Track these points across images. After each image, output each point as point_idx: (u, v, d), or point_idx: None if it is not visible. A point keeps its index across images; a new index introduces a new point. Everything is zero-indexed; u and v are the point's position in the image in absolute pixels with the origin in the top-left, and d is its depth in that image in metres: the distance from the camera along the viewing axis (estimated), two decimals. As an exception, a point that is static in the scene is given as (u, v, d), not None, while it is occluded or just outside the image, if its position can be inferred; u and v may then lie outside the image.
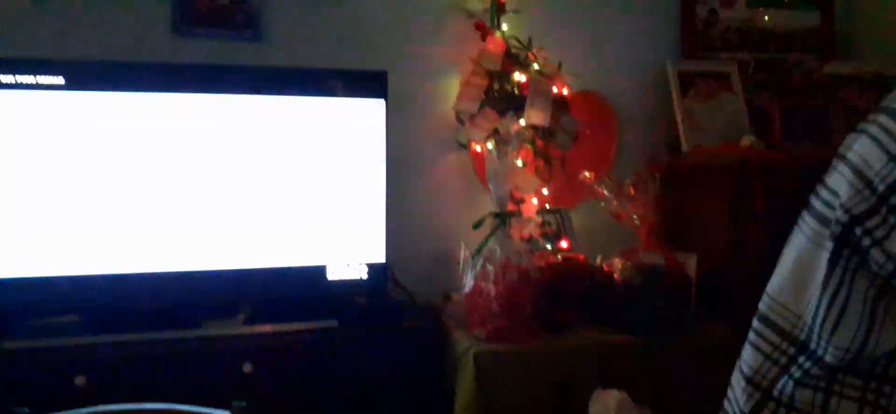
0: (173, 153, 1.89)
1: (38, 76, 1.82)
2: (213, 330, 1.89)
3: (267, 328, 1.92)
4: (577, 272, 2.02)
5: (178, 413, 1.11)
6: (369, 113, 2.00)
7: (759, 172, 2.00)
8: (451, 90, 2.26)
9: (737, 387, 0.78)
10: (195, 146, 1.91)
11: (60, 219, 1.84)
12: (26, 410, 1.12)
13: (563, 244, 2.20)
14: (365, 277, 2.02)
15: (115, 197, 1.87)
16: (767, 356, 0.74)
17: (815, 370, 0.69)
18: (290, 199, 1.97)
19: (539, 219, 2.21)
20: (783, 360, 0.73)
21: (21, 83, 1.80)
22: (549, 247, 2.16)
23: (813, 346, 0.70)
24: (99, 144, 1.85)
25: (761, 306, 0.77)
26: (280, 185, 1.96)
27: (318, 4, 2.20)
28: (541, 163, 2.24)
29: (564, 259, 2.11)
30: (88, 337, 1.82)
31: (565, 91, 2.25)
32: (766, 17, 2.49)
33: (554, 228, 2.22)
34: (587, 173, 2.18)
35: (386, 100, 2.00)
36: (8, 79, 1.79)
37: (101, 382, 1.74)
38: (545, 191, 2.24)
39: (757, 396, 0.74)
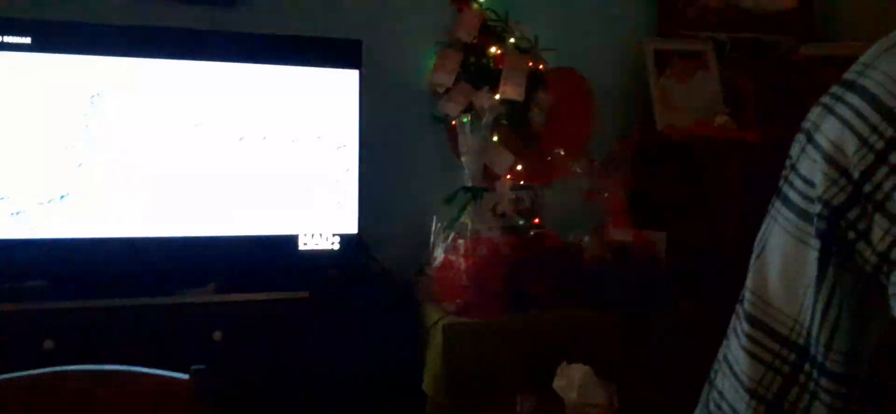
0: (145, 119, 1.87)
1: (4, 36, 1.78)
2: (183, 298, 1.89)
3: (237, 297, 1.91)
4: (547, 248, 2.03)
5: (137, 375, 1.10)
6: (343, 83, 1.99)
7: (731, 151, 2.02)
8: (428, 63, 2.25)
9: (733, 397, 0.72)
10: (167, 112, 1.88)
11: (30, 182, 1.82)
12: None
13: (536, 221, 2.21)
14: (337, 247, 2.01)
15: (86, 161, 1.84)
16: (769, 365, 0.69)
17: (824, 382, 0.65)
18: (263, 167, 1.95)
19: (512, 195, 2.21)
20: (786, 368, 0.68)
21: (-12, 43, 1.77)
22: (521, 223, 2.17)
23: (813, 351, 0.65)
24: (68, 108, 1.82)
25: (748, 307, 0.72)
26: (253, 153, 1.95)
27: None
28: (515, 139, 2.24)
29: (535, 235, 2.13)
30: (58, 302, 1.81)
31: (541, 67, 2.25)
32: (747, -2, 2.49)
33: (527, 204, 2.23)
34: (562, 151, 2.19)
35: (360, 70, 1.99)
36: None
37: (69, 347, 1.73)
38: (519, 167, 2.24)
39: (762, 409, 0.69)
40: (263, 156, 1.95)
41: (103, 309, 1.82)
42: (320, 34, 2.05)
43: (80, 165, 1.84)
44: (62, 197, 1.84)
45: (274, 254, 1.98)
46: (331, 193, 2.00)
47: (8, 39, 1.79)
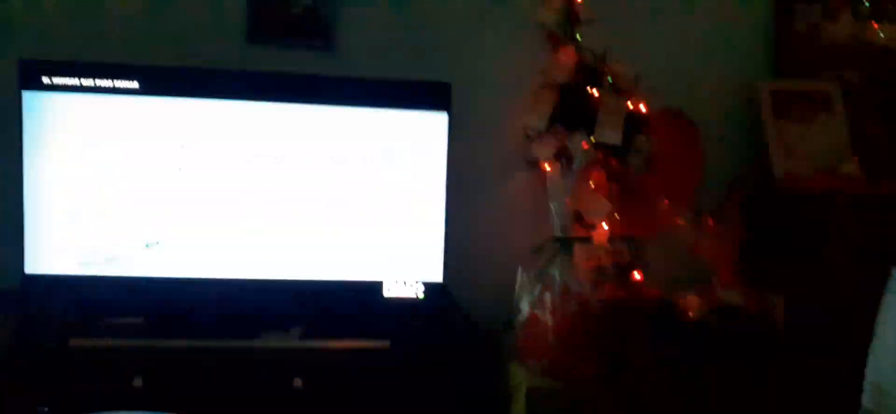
0: (237, 161, 1.91)
1: (114, 80, 1.87)
2: (267, 341, 1.88)
3: (318, 344, 1.88)
4: (645, 308, 1.87)
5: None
6: (431, 126, 1.96)
7: (859, 204, 1.79)
8: (520, 105, 2.17)
9: None
10: (259, 154, 1.92)
11: (128, 221, 1.89)
12: (46, 409, 1.12)
13: (636, 276, 2.05)
14: (421, 296, 1.97)
15: (181, 202, 1.90)
16: None
17: None
18: (349, 211, 1.95)
19: (609, 247, 2.07)
20: None
21: (98, 87, 1.86)
22: (618, 278, 2.02)
23: None
24: (168, 149, 1.89)
25: (867, 403, 0.63)
26: (339, 196, 1.94)
27: (387, 15, 2.17)
28: (613, 186, 2.10)
29: (633, 293, 1.97)
30: (149, 340, 1.85)
31: (643, 108, 2.10)
32: (881, 33, 2.24)
33: (625, 258, 2.07)
34: (665, 200, 2.03)
35: (449, 113, 1.95)
36: (87, 82, 1.86)
37: (157, 385, 1.76)
38: (617, 217, 2.10)
39: None
40: (350, 199, 1.94)
41: (191, 349, 1.84)
42: (413, 74, 2.03)
43: (174, 206, 1.90)
44: (153, 241, 1.90)
45: (357, 300, 1.97)
46: (416, 239, 1.96)
47: (117, 84, 1.88)
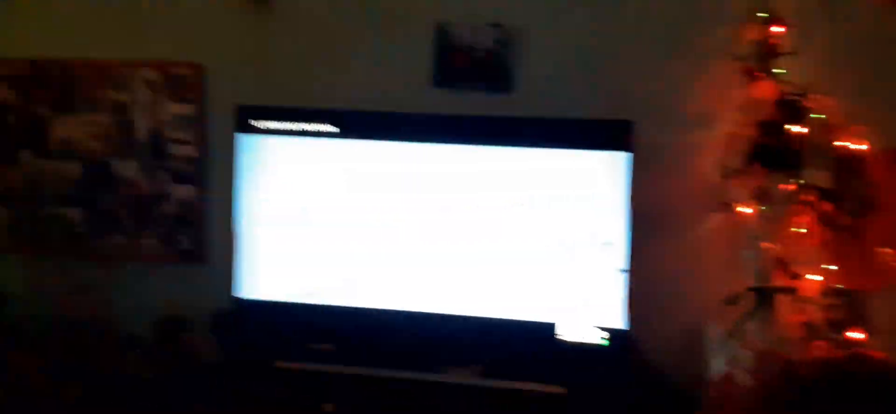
0: (423, 199, 1.99)
1: (315, 124, 2.05)
2: (450, 376, 1.92)
3: (497, 384, 1.89)
4: (866, 373, 1.61)
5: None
6: (613, 165, 1.90)
7: None
8: (712, 143, 2.02)
9: None
10: (442, 193, 1.98)
11: (327, 253, 2.04)
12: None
13: (855, 336, 1.79)
14: (601, 342, 1.90)
15: (370, 237, 2.01)
16: None
17: None
18: (528, 249, 1.94)
19: (821, 301, 1.83)
20: None
21: (301, 131, 2.05)
22: (832, 337, 1.77)
23: None
24: (362, 188, 2.02)
25: None
26: (519, 234, 1.94)
27: (567, 53, 2.15)
28: (827, 232, 1.87)
29: (852, 355, 1.71)
30: (340, 366, 1.97)
31: (860, 147, 1.85)
32: None
33: (841, 313, 1.82)
34: (889, 250, 1.76)
35: (631, 151, 1.87)
36: (293, 127, 2.05)
37: (345, 411, 1.86)
38: (831, 267, 1.85)
39: None
40: (529, 238, 1.94)
41: (377, 379, 1.94)
42: (595, 113, 1.98)
43: (367, 240, 2.02)
44: (350, 277, 2.03)
45: (534, 341, 1.95)
46: (597, 283, 1.90)
47: (319, 128, 2.05)
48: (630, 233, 1.87)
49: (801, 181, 1.85)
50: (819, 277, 1.85)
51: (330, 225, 2.03)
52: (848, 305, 1.84)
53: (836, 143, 1.85)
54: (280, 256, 2.07)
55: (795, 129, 1.88)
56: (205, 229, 2.31)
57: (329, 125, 2.04)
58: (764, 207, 1.88)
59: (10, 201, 2.36)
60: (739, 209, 1.96)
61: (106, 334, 2.19)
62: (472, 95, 2.18)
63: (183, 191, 2.30)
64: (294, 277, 2.06)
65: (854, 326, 1.81)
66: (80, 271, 2.33)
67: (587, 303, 1.90)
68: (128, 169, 2.31)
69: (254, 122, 2.06)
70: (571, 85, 2.14)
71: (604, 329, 1.89)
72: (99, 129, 2.31)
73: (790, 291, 1.85)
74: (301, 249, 2.05)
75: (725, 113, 2.00)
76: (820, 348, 1.72)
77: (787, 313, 1.81)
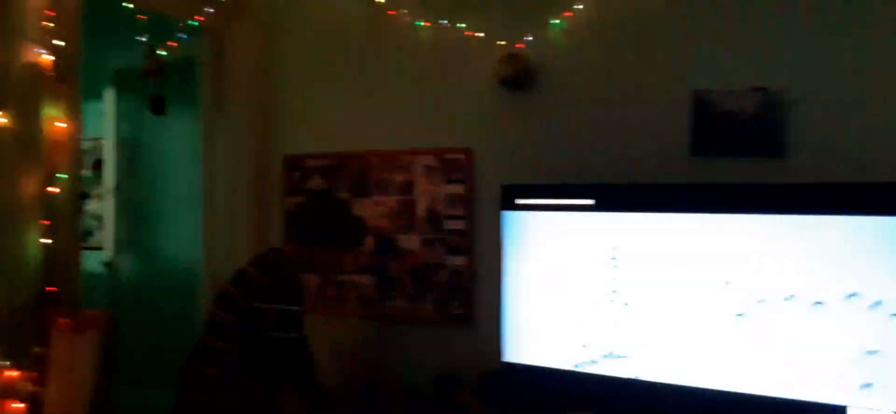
0: (685, 272, 1.96)
1: (572, 199, 2.16)
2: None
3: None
4: None
5: None
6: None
7: None
8: None
9: None
10: (705, 265, 1.94)
11: (586, 320, 2.10)
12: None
13: None
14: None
15: (626, 308, 2.03)
16: None
17: None
18: (808, 323, 1.81)
19: None
20: None
21: (561, 205, 2.17)
22: None
23: None
24: (620, 259, 2.06)
25: None
26: (795, 307, 1.82)
27: (842, 112, 1.99)
28: None
29: None
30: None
31: None
32: None
33: None
34: None
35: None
36: (553, 202, 2.19)
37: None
38: None
39: None
40: (808, 310, 1.81)
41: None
42: (874, 178, 1.82)
43: (620, 312, 2.04)
44: (602, 334, 2.07)
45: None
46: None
47: (576, 202, 2.15)
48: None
49: None
50: None
51: (590, 295, 2.09)
52: None
53: None
54: (542, 323, 2.16)
55: None
56: (474, 296, 2.50)
57: (584, 199, 2.12)
58: None
59: (316, 270, 2.74)
60: None
61: (393, 384, 2.48)
62: (734, 163, 2.09)
63: (456, 261, 2.54)
64: (556, 344, 2.14)
65: None
66: (370, 330, 2.68)
67: (885, 384, 1.70)
68: (410, 242, 2.62)
69: (517, 200, 2.22)
70: (847, 145, 1.97)
71: (904, 414, 1.66)
72: (387, 209, 2.67)
73: None
74: (563, 317, 2.13)
75: None
76: None
77: None
